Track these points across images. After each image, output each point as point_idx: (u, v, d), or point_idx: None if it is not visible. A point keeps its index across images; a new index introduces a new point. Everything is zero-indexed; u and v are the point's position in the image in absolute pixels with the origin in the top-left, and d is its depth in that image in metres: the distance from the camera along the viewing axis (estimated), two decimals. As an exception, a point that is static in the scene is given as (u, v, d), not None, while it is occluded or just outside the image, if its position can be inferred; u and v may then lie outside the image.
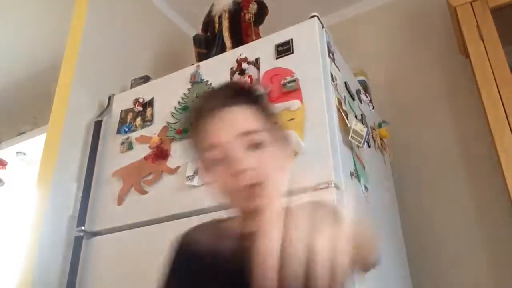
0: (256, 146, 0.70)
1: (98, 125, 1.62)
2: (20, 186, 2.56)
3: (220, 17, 1.75)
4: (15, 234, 2.28)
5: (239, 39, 1.65)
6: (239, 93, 0.76)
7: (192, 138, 0.76)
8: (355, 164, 1.27)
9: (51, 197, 1.47)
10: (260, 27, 1.71)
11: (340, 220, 0.56)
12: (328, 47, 1.32)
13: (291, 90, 1.24)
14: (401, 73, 2.12)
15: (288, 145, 0.80)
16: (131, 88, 1.72)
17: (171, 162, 1.37)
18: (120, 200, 1.42)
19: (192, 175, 1.29)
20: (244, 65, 1.37)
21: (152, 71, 1.91)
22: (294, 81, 1.24)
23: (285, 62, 1.30)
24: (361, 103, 1.57)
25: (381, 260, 0.75)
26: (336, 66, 1.36)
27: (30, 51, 2.49)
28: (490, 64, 1.55)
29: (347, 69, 1.53)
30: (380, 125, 1.74)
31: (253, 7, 1.67)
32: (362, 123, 1.40)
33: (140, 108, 1.56)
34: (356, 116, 1.40)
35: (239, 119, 0.72)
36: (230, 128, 0.71)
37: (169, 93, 1.51)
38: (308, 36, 1.31)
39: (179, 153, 1.38)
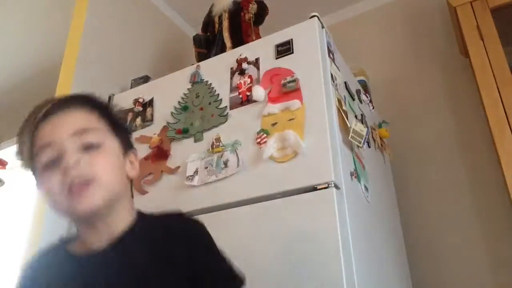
0: (90, 146, 0.69)
1: (98, 125, 1.62)
2: (20, 186, 2.56)
3: (220, 17, 1.75)
4: (15, 234, 2.28)
5: (239, 39, 1.65)
6: (78, 100, 0.75)
7: (21, 148, 0.71)
8: (355, 164, 1.27)
9: (51, 197, 1.47)
10: (260, 27, 1.71)
11: None
12: (328, 47, 1.32)
13: (291, 90, 1.24)
14: (401, 73, 2.12)
15: (127, 155, 0.78)
16: (131, 88, 1.72)
17: (171, 162, 1.37)
18: None
19: (192, 175, 1.29)
20: (244, 65, 1.37)
21: (152, 71, 1.91)
22: (294, 81, 1.24)
23: (285, 62, 1.30)
24: (361, 103, 1.57)
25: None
26: (336, 66, 1.36)
27: (30, 51, 2.49)
28: (490, 64, 1.55)
29: (347, 69, 1.53)
30: (380, 125, 1.74)
31: (253, 7, 1.67)
32: (362, 123, 1.40)
33: (140, 108, 1.56)
34: (356, 116, 1.40)
35: (74, 118, 0.71)
36: (63, 126, 0.69)
37: (169, 93, 1.51)
38: (308, 36, 1.31)
39: (179, 153, 1.38)
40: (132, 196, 0.78)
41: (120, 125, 0.79)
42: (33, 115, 0.71)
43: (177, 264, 0.68)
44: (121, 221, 0.72)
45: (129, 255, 0.68)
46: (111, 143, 0.73)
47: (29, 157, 0.70)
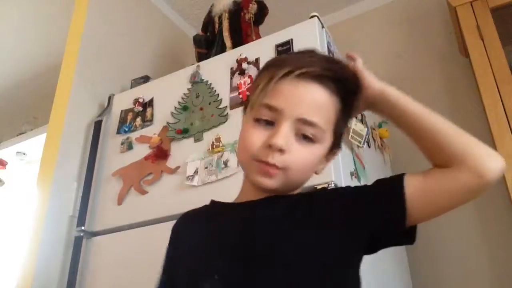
0: (305, 137, 0.66)
1: (98, 125, 1.62)
2: (20, 186, 2.56)
3: (220, 17, 1.75)
4: (15, 234, 2.28)
5: (239, 39, 1.65)
6: (330, 76, 0.67)
7: (255, 86, 0.70)
8: (355, 164, 1.27)
9: (51, 197, 1.47)
10: (260, 27, 1.71)
11: None
12: (328, 47, 1.32)
13: (291, 90, 1.23)
14: (401, 73, 2.12)
15: (330, 157, 0.74)
16: (131, 88, 1.72)
17: (171, 162, 1.37)
18: (120, 200, 1.42)
19: (192, 175, 1.29)
20: (244, 65, 1.37)
21: (152, 71, 1.91)
22: (294, 81, 1.23)
23: (285, 62, 1.30)
24: (361, 103, 1.57)
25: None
26: (336, 66, 1.36)
27: (30, 51, 2.49)
28: (490, 64, 1.55)
29: (347, 69, 1.53)
30: (380, 125, 1.74)
31: (253, 7, 1.67)
32: (362, 123, 1.40)
33: (140, 108, 1.56)
34: (356, 116, 1.40)
35: (308, 100, 0.66)
36: (295, 103, 0.65)
37: (169, 93, 1.51)
38: (308, 36, 1.31)
39: (179, 153, 1.38)
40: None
41: (349, 118, 0.75)
42: (279, 64, 0.68)
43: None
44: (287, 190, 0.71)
45: (268, 209, 0.69)
46: (326, 143, 0.69)
47: (255, 98, 0.68)
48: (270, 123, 0.66)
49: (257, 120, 0.67)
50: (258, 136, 0.66)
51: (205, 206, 0.79)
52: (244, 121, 0.73)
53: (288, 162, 0.65)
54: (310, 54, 0.72)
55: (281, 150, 0.64)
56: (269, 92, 0.66)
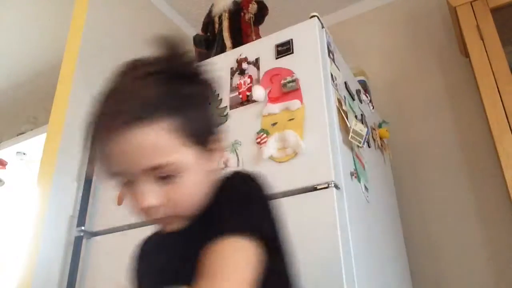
0: (166, 178, 0.61)
1: (98, 125, 1.62)
2: (20, 186, 2.56)
3: (220, 17, 1.75)
4: (15, 234, 2.28)
5: (239, 39, 1.65)
6: (144, 110, 0.59)
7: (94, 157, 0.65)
8: (355, 164, 1.27)
9: (51, 197, 1.47)
10: (260, 27, 1.71)
11: None
12: (328, 47, 1.32)
13: (291, 90, 1.24)
14: (401, 73, 2.12)
15: (217, 156, 0.70)
16: (131, 88, 1.72)
17: (171, 162, 1.37)
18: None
19: (192, 175, 1.29)
20: (244, 65, 1.37)
21: (152, 71, 1.91)
22: (294, 81, 1.24)
23: (285, 62, 1.30)
24: (361, 103, 1.57)
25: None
26: (336, 66, 1.36)
27: (30, 51, 2.49)
28: (490, 64, 1.55)
29: (347, 69, 1.53)
30: (380, 125, 1.75)
31: (253, 7, 1.67)
32: (362, 123, 1.40)
33: (140, 108, 1.55)
34: (356, 116, 1.40)
35: (145, 149, 0.59)
36: (134, 160, 0.60)
37: (169, 93, 1.51)
38: (308, 36, 1.31)
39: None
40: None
41: (194, 119, 0.64)
42: (97, 125, 0.63)
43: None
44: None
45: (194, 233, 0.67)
46: (188, 160, 0.63)
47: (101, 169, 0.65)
48: (126, 184, 0.64)
49: (120, 184, 0.64)
50: (131, 202, 0.64)
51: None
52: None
53: (172, 209, 0.63)
54: (116, 97, 0.63)
55: (157, 207, 0.62)
56: (105, 161, 0.63)
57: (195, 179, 0.64)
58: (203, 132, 0.67)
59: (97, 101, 0.65)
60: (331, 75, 1.28)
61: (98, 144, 0.63)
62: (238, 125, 1.29)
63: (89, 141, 0.64)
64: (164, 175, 0.61)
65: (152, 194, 0.61)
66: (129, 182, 0.62)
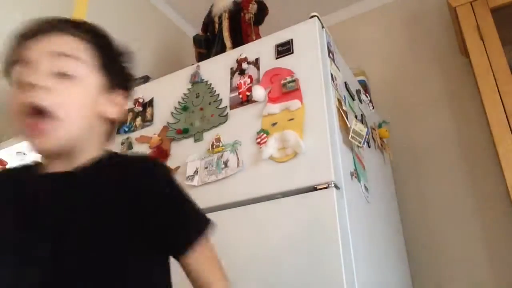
0: (63, 75, 0.62)
1: (98, 125, 1.62)
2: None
3: (220, 17, 1.75)
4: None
5: (239, 39, 1.65)
6: (69, 24, 0.68)
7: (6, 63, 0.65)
8: (355, 164, 1.27)
9: (51, 197, 1.47)
10: (260, 27, 1.71)
11: None
12: (328, 47, 1.32)
13: (291, 90, 1.24)
14: (401, 73, 2.12)
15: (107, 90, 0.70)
16: (131, 88, 1.72)
17: (171, 162, 1.37)
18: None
19: (192, 175, 1.29)
20: (244, 65, 1.37)
21: (152, 71, 1.91)
22: (294, 81, 1.24)
23: (285, 62, 1.30)
24: (361, 103, 1.57)
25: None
26: (336, 66, 1.36)
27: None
28: (490, 64, 1.55)
29: (347, 69, 1.54)
30: (380, 125, 1.75)
31: (253, 7, 1.67)
32: (362, 123, 1.40)
33: (140, 108, 1.56)
34: (356, 116, 1.40)
35: (58, 41, 0.64)
36: (45, 44, 0.63)
37: (169, 93, 1.51)
38: (308, 36, 1.31)
39: (179, 153, 1.38)
40: (109, 138, 0.73)
41: (115, 62, 0.72)
42: (18, 32, 0.65)
43: (131, 194, 0.64)
44: (85, 158, 0.67)
45: (87, 183, 0.65)
46: (90, 78, 0.66)
47: (5, 74, 0.64)
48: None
49: (14, 85, 0.62)
50: (17, 93, 0.61)
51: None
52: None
53: (51, 101, 0.60)
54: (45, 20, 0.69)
55: (37, 86, 0.59)
56: (15, 54, 0.63)
57: (86, 96, 0.65)
58: (115, 75, 0.71)
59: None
60: (331, 75, 1.28)
61: (10, 50, 0.64)
62: (238, 125, 1.30)
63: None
64: (63, 70, 0.62)
65: (46, 77, 0.60)
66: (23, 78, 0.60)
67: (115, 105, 0.71)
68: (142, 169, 0.69)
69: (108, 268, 0.59)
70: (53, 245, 0.58)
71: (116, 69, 0.72)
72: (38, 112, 0.60)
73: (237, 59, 1.39)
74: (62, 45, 0.64)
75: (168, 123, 1.45)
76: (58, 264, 0.56)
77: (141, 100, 1.57)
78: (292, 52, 1.31)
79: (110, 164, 0.68)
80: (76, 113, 0.63)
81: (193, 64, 1.54)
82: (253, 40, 1.56)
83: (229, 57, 1.44)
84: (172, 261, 0.69)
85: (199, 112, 1.40)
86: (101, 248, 0.59)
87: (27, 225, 0.60)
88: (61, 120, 0.61)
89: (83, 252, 0.58)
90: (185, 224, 0.68)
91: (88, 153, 0.67)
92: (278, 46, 1.34)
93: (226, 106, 1.35)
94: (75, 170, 0.65)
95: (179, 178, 1.32)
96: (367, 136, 1.33)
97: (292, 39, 1.32)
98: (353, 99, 1.46)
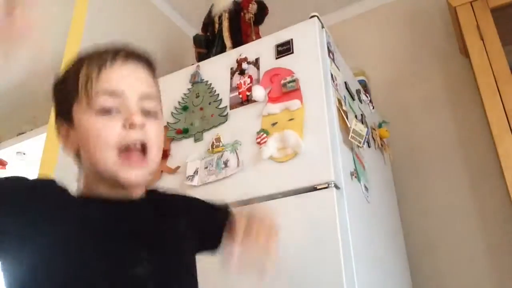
0: (149, 113, 0.68)
1: (98, 125, 1.62)
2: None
3: (220, 17, 1.75)
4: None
5: (239, 39, 1.65)
6: (145, 56, 0.73)
7: (80, 79, 0.66)
8: (355, 164, 1.27)
9: (51, 197, 1.47)
10: (260, 27, 1.71)
11: None
12: (328, 47, 1.32)
13: (291, 90, 1.24)
14: (401, 73, 2.12)
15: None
16: (131, 88, 1.72)
17: (171, 162, 1.37)
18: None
19: (192, 175, 1.29)
20: (244, 65, 1.37)
21: (152, 71, 1.91)
22: (294, 81, 1.24)
23: (285, 62, 1.30)
24: (361, 103, 1.57)
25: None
26: (336, 66, 1.36)
27: (30, 51, 2.48)
28: (490, 64, 1.55)
29: (347, 69, 1.54)
30: (380, 125, 1.75)
31: (253, 7, 1.67)
32: (362, 123, 1.40)
33: (140, 108, 1.55)
34: (356, 116, 1.40)
35: (142, 77, 0.69)
36: (135, 82, 0.67)
37: (169, 93, 1.51)
38: (308, 36, 1.31)
39: (179, 153, 1.38)
40: None
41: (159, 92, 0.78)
42: (101, 54, 0.68)
43: (184, 212, 0.79)
44: (141, 188, 0.72)
45: (145, 211, 0.72)
46: (161, 113, 0.73)
47: (78, 90, 0.66)
48: (111, 111, 0.64)
49: (100, 113, 0.64)
50: (111, 124, 0.64)
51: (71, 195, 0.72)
52: (80, 120, 0.66)
53: (147, 138, 0.65)
54: (119, 44, 0.73)
55: (141, 126, 0.65)
56: (104, 79, 0.65)
57: (162, 131, 0.72)
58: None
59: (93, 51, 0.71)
60: (331, 75, 1.28)
61: (94, 66, 0.66)
62: (238, 125, 1.30)
63: (85, 63, 0.68)
64: (148, 109, 0.67)
65: (140, 116, 0.65)
66: (114, 108, 0.64)
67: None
68: (181, 196, 0.87)
69: (186, 266, 0.75)
70: (148, 251, 0.68)
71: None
72: (139, 148, 0.66)
73: (237, 59, 1.39)
74: (145, 82, 0.70)
75: (168, 123, 1.45)
76: (154, 264, 0.67)
77: (141, 100, 1.57)
78: (292, 52, 1.31)
79: (160, 195, 0.80)
80: (159, 149, 0.70)
81: (193, 64, 1.54)
82: (253, 40, 1.56)
83: (229, 57, 1.44)
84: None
85: (199, 112, 1.40)
86: (180, 253, 0.74)
87: (121, 237, 0.67)
88: (153, 156, 0.67)
89: (169, 256, 0.71)
90: (217, 204, 0.88)
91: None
92: (278, 46, 1.34)
93: (226, 106, 1.35)
94: (145, 198, 0.73)
95: (179, 178, 1.33)
96: (367, 136, 1.33)
97: (292, 39, 1.32)
98: (353, 99, 1.46)
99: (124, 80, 0.67)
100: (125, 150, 0.64)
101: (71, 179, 1.56)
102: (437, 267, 1.72)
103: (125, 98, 0.65)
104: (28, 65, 2.56)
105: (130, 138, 0.64)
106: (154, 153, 0.67)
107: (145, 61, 0.72)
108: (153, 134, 0.67)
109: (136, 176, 0.65)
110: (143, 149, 0.65)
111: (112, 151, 0.63)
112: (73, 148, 0.69)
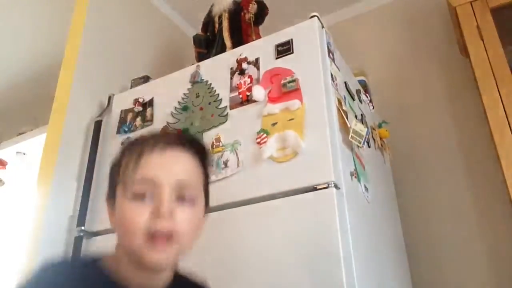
0: (184, 199, 0.69)
1: (98, 125, 1.62)
2: (20, 186, 2.56)
3: (220, 17, 1.74)
4: (15, 234, 2.28)
5: (239, 39, 1.64)
6: (186, 140, 0.75)
7: (122, 165, 0.71)
8: (355, 164, 1.27)
9: (51, 197, 1.47)
10: (260, 27, 1.71)
11: None
12: (328, 47, 1.32)
13: (291, 90, 1.24)
14: (401, 73, 2.12)
15: (203, 209, 0.75)
16: (131, 88, 1.72)
17: (171, 162, 1.37)
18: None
19: (192, 175, 1.29)
20: (244, 65, 1.37)
21: (152, 71, 1.91)
22: (294, 81, 1.24)
23: (285, 62, 1.30)
24: (361, 103, 1.57)
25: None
26: (336, 66, 1.36)
27: (30, 51, 2.49)
28: (490, 64, 1.55)
29: (347, 69, 1.53)
30: (380, 125, 1.74)
31: (253, 7, 1.67)
32: (362, 123, 1.40)
33: (140, 108, 1.56)
34: (356, 116, 1.40)
35: (179, 164, 0.71)
36: (169, 169, 0.69)
37: (169, 93, 1.51)
38: (308, 36, 1.31)
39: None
40: None
41: (209, 178, 0.78)
42: (144, 141, 0.72)
43: None
44: (166, 275, 0.74)
45: None
46: (201, 200, 0.73)
47: (120, 175, 0.70)
48: (144, 197, 0.67)
49: (133, 198, 0.67)
50: (141, 210, 0.66)
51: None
52: (118, 203, 0.71)
53: (176, 225, 0.66)
54: (163, 132, 0.76)
55: (169, 214, 0.66)
56: (141, 166, 0.68)
57: (198, 219, 0.72)
58: (208, 191, 0.77)
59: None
60: (331, 75, 1.28)
61: (135, 153, 0.70)
62: (238, 125, 1.30)
63: (129, 152, 0.71)
64: (183, 196, 0.68)
65: (171, 203, 0.67)
66: (146, 194, 0.67)
67: (202, 225, 0.75)
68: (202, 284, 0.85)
69: None
70: None
71: (208, 186, 0.78)
72: (166, 235, 0.66)
73: (237, 59, 1.39)
74: (183, 169, 0.71)
75: (168, 123, 1.45)
76: None
77: (141, 100, 1.57)
78: (292, 52, 1.31)
79: (187, 284, 0.81)
80: (191, 238, 0.71)
81: (193, 64, 1.54)
82: (253, 40, 1.55)
83: (229, 57, 1.44)
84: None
85: (199, 112, 1.40)
86: None
87: None
88: (182, 245, 0.68)
89: None
90: None
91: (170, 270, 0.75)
92: (278, 46, 1.34)
93: (226, 106, 1.35)
94: (170, 285, 0.74)
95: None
96: (367, 136, 1.33)
97: (292, 39, 1.32)
98: (353, 99, 1.46)
99: (159, 168, 0.68)
100: (151, 236, 0.65)
101: (70, 178, 1.56)
102: (436, 266, 1.72)
103: (157, 186, 0.67)
104: (28, 65, 2.57)
105: (156, 226, 0.65)
106: (184, 239, 0.68)
107: (192, 148, 0.73)
108: (184, 221, 0.67)
109: (159, 259, 0.66)
110: (170, 235, 0.66)
111: (139, 236, 0.65)
112: (114, 225, 0.73)
